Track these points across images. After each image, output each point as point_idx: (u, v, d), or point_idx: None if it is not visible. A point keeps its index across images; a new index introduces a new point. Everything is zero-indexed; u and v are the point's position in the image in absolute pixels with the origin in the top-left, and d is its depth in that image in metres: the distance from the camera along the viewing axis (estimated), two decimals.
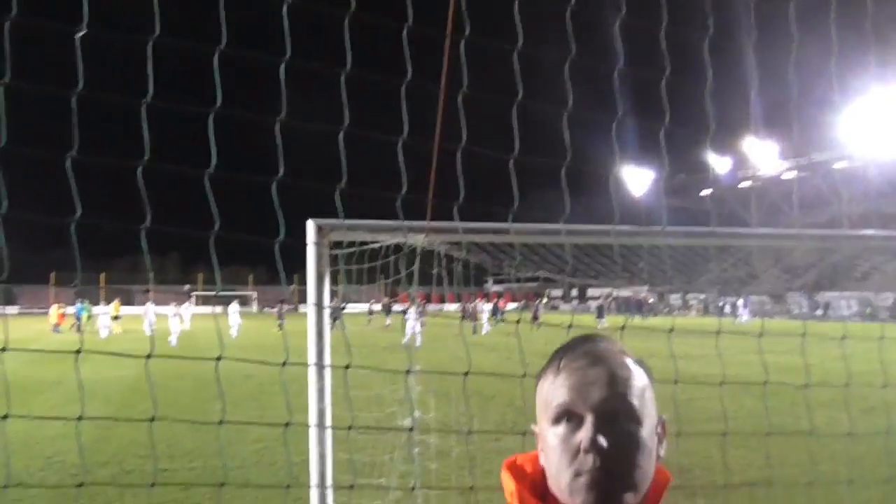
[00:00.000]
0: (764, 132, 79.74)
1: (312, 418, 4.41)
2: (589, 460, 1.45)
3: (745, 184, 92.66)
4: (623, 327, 6.04)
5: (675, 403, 4.31)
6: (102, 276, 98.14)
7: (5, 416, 3.28)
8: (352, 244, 4.17)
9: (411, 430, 8.50)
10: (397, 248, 4.34)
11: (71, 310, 48.04)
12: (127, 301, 74.10)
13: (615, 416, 1.48)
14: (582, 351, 1.58)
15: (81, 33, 2.79)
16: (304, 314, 4.21)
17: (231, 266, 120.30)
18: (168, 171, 3.09)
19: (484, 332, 44.40)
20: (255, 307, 63.06)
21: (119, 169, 3.06)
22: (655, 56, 3.62)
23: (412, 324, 33.56)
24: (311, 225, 4.06)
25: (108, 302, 48.90)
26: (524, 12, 3.28)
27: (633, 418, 1.50)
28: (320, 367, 4.39)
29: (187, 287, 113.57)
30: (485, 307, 50.06)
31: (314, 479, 4.51)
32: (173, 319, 36.21)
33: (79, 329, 41.59)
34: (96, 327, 42.37)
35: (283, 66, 3.08)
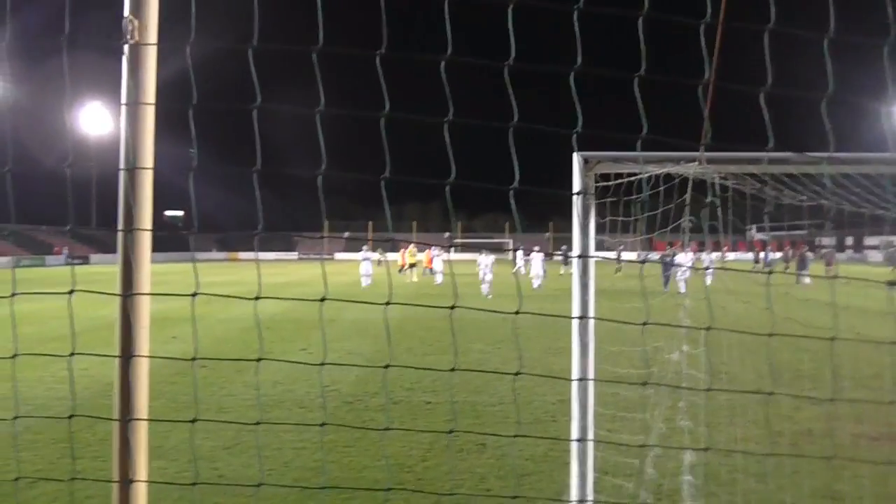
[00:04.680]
0: None
1: (575, 353, 4.41)
2: None
3: None
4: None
5: None
6: (370, 224, 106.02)
7: (259, 359, 3.56)
8: (619, 176, 4.06)
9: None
10: (667, 178, 4.15)
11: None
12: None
13: None
14: None
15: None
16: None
17: (489, 213, 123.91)
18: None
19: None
20: (510, 256, 64.07)
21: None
22: None
23: (682, 270, 31.41)
24: (576, 158, 4.01)
25: (374, 250, 52.59)
26: None
27: None
28: (584, 305, 4.38)
29: (447, 234, 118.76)
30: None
31: (575, 412, 4.53)
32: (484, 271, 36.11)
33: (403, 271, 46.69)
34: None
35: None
